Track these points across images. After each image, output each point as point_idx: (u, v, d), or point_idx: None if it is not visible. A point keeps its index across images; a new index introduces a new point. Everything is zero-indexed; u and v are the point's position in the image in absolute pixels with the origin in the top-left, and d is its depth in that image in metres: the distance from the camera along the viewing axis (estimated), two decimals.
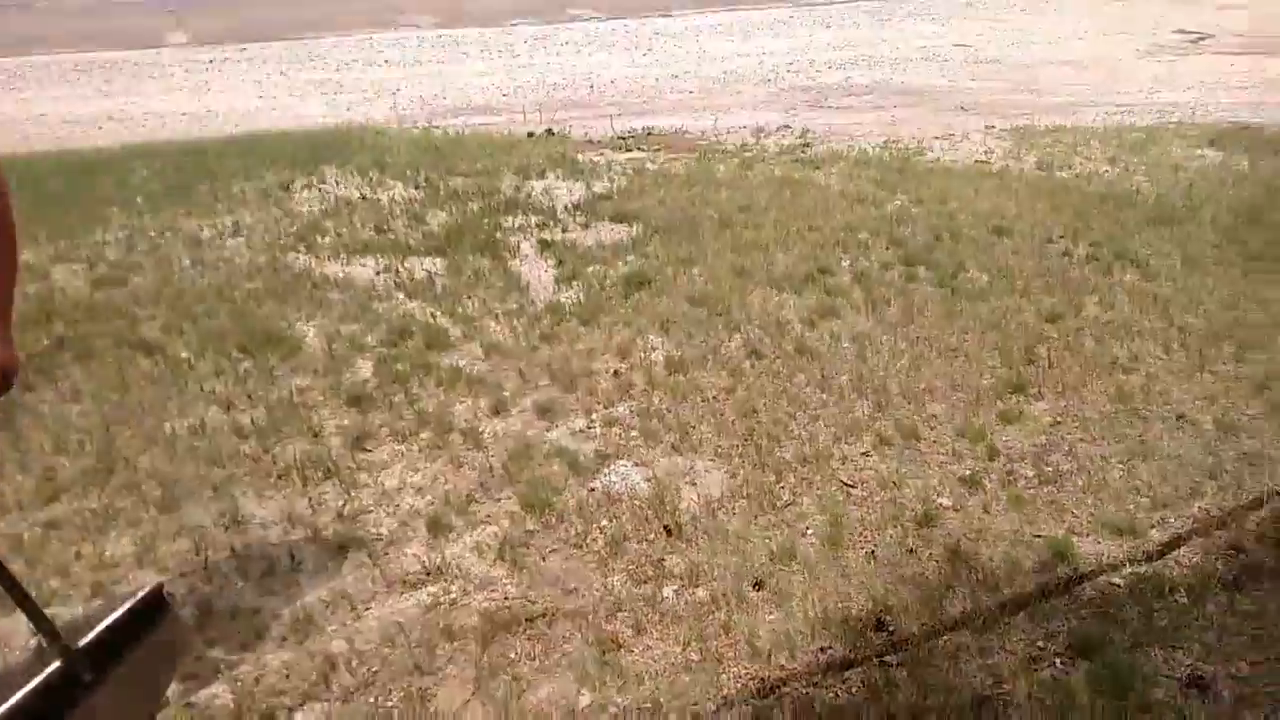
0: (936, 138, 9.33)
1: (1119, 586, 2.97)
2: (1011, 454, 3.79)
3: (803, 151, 8.83)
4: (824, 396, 4.31)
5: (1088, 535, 3.26)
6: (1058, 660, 2.68)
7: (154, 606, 2.40)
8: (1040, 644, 2.74)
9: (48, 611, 2.31)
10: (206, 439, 3.95)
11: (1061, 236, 6.32)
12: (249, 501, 3.56)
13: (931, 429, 4.01)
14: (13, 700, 2.09)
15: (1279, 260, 5.82)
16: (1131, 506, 3.39)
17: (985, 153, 8.66)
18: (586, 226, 6.71)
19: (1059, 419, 4.05)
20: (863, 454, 3.84)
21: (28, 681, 2.12)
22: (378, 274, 5.83)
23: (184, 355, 4.68)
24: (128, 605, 2.35)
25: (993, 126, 9.64)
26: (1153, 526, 3.27)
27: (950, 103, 11.01)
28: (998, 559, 3.12)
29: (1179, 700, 2.52)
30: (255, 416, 4.11)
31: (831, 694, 2.58)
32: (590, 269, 5.88)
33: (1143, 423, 3.97)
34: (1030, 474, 3.65)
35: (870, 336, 4.89)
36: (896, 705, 2.51)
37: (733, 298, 5.42)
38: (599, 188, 7.64)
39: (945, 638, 2.77)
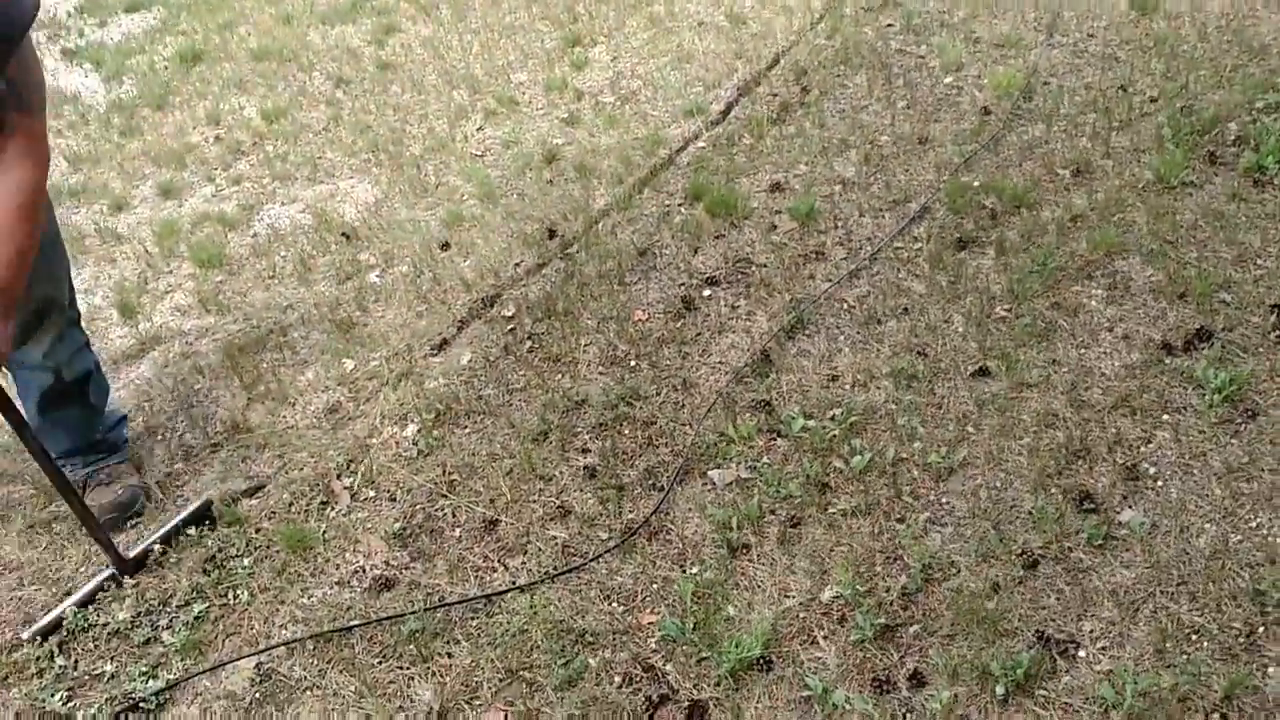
0: None
1: (704, 148, 3.82)
2: (592, 91, 4.48)
3: None
4: (423, 97, 4.69)
5: (670, 125, 4.07)
6: (681, 208, 3.50)
7: (203, 517, 2.52)
8: (666, 203, 3.54)
9: None
10: None
11: None
12: None
13: (524, 94, 4.58)
14: (66, 602, 2.29)
15: None
16: (691, 95, 4.23)
17: None
18: (103, 25, 6.23)
19: (616, 55, 4.78)
20: (478, 130, 4.35)
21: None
22: None
23: None
24: (179, 518, 2.48)
25: None
26: (711, 103, 4.15)
27: None
28: (615, 162, 3.84)
29: (769, 201, 3.44)
30: None
31: (539, 286, 3.22)
32: (133, 61, 5.59)
33: (676, 36, 4.80)
34: (612, 99, 4.38)
35: (437, 39, 5.26)
36: (586, 276, 3.21)
37: (293, 43, 5.48)
38: None
39: (601, 223, 3.48)
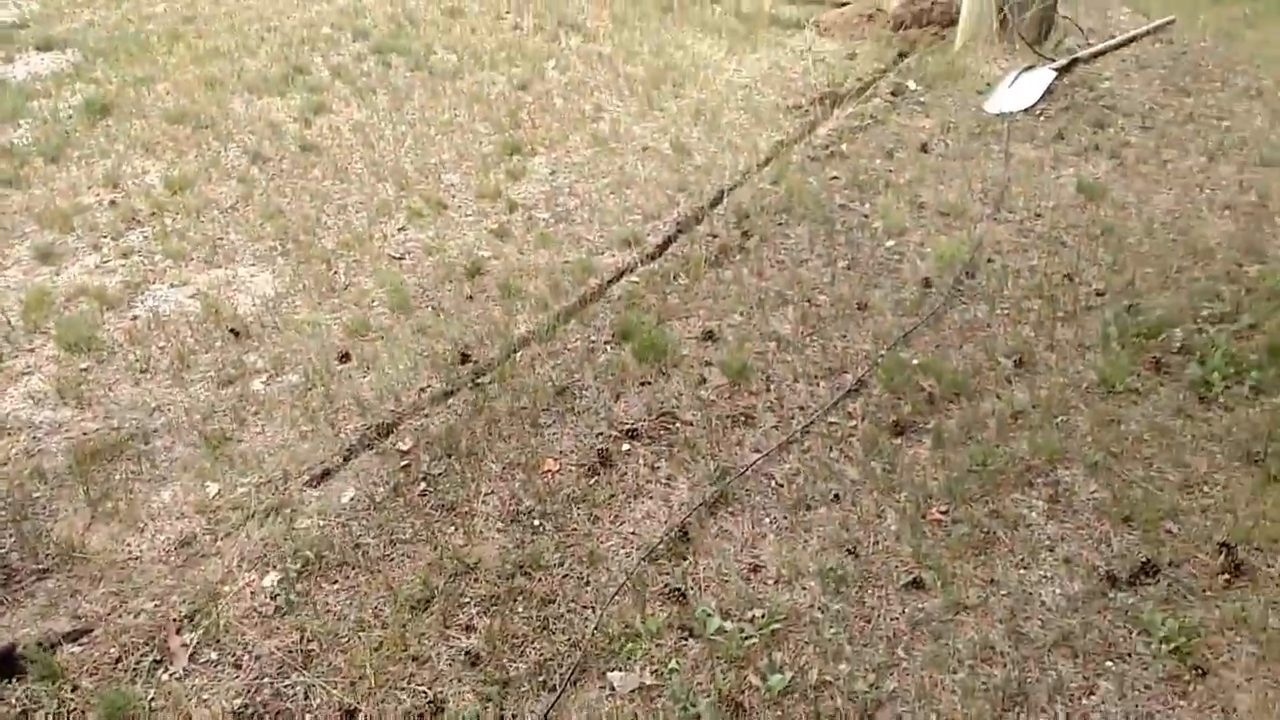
0: None
1: (637, 282, 3.61)
2: (526, 204, 4.27)
3: None
4: (344, 186, 4.42)
5: (604, 252, 3.86)
6: (608, 347, 3.26)
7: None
8: (592, 339, 3.30)
9: None
10: None
11: (509, 13, 6.78)
12: None
13: (454, 197, 4.34)
14: None
15: (684, 7, 6.83)
16: (629, 223, 4.05)
17: None
18: (9, 61, 5.82)
19: (555, 168, 4.59)
20: (400, 230, 4.08)
21: None
22: None
23: None
24: None
25: None
26: (649, 234, 3.96)
27: None
28: (543, 286, 3.60)
29: (700, 350, 3.23)
30: None
31: (442, 418, 2.92)
32: (34, 104, 5.20)
33: (619, 158, 4.64)
34: (546, 215, 4.17)
35: (369, 125, 5.01)
36: (496, 412, 2.93)
37: (212, 109, 5.17)
38: (6, 16, 6.57)
39: (520, 354, 3.22)
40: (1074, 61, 5.35)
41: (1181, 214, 3.95)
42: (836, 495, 2.62)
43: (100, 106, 5.15)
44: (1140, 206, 4.02)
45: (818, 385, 3.07)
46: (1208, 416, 2.86)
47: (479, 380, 3.08)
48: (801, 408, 2.97)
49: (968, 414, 2.88)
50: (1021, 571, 2.37)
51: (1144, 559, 2.36)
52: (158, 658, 2.18)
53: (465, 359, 3.18)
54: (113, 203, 4.28)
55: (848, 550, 2.44)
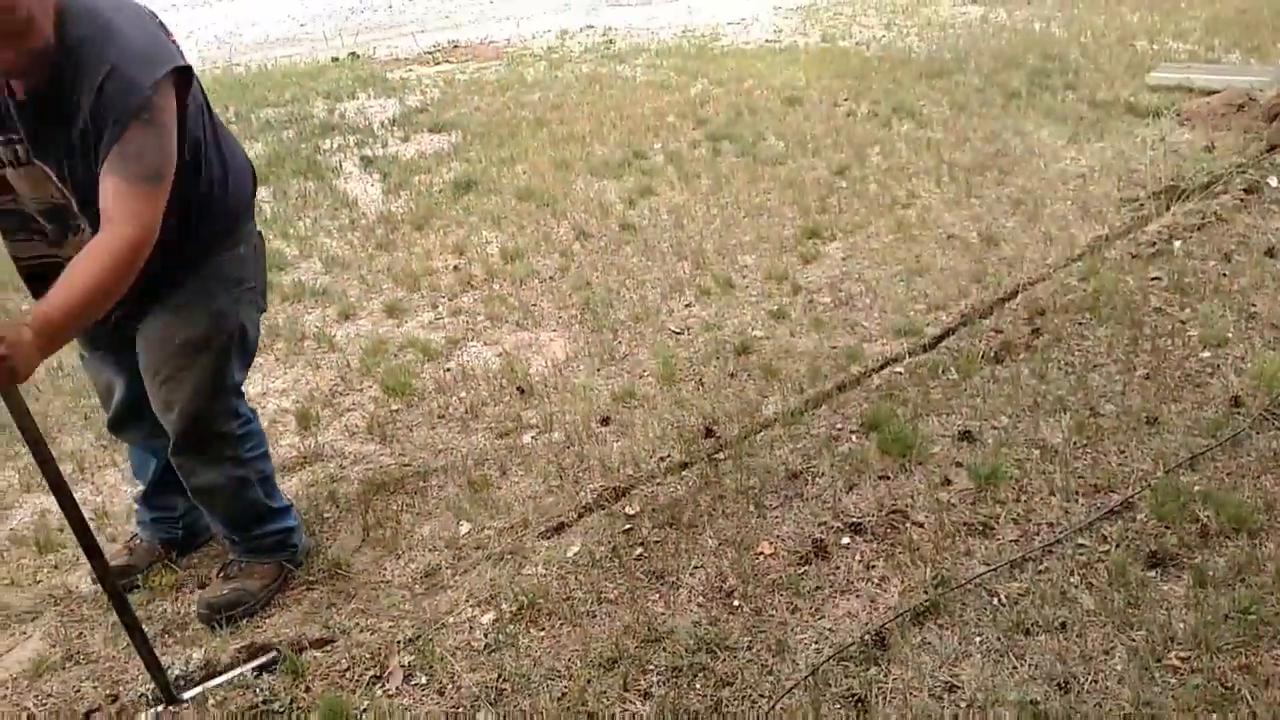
0: (729, 23, 9.76)
1: (901, 374, 3.53)
2: (811, 288, 4.32)
3: (607, 48, 9.11)
4: (648, 263, 4.73)
5: (876, 340, 3.81)
6: (853, 436, 3.21)
7: (267, 668, 2.49)
8: (839, 426, 3.27)
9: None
10: (67, 376, 4.07)
11: (846, 99, 6.89)
12: None
13: (744, 277, 4.49)
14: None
15: (1033, 95, 6.55)
16: (911, 313, 3.96)
17: (775, 32, 9.15)
18: (406, 140, 6.88)
19: (849, 254, 4.60)
20: (686, 306, 4.30)
21: None
22: None
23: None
24: (241, 669, 2.47)
25: (780, 6, 10.13)
26: (928, 325, 3.85)
27: None
28: (803, 370, 3.63)
29: (952, 450, 3.09)
30: None
31: (672, 489, 3.03)
32: (416, 179, 6.09)
33: (919, 245, 4.56)
34: (827, 300, 4.19)
35: (685, 207, 5.33)
36: (725, 489, 2.99)
37: (556, 189, 5.75)
38: (412, 102, 7.76)
39: (762, 434, 3.27)
40: None
41: None
42: (1063, 624, 2.39)
43: (466, 183, 5.93)
44: None
45: (1076, 502, 2.81)
46: None
47: (715, 455, 3.16)
48: (1050, 525, 2.74)
49: (1244, 554, 2.51)
50: None
51: None
52: (378, 674, 2.47)
53: (709, 433, 3.28)
54: (456, 268, 4.90)
55: (1058, 685, 2.22)
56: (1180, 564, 2.53)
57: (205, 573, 2.89)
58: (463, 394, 3.77)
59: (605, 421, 3.47)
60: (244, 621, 2.66)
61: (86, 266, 1.97)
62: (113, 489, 3.35)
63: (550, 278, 4.71)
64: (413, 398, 3.78)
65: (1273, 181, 4.66)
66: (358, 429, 3.59)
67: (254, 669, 2.46)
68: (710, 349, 3.87)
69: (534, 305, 4.45)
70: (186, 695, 2.37)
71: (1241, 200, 4.54)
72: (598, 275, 4.65)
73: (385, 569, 2.86)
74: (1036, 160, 5.46)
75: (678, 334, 4.06)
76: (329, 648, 2.56)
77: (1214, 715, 2.10)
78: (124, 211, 2.01)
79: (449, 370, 3.98)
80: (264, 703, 2.38)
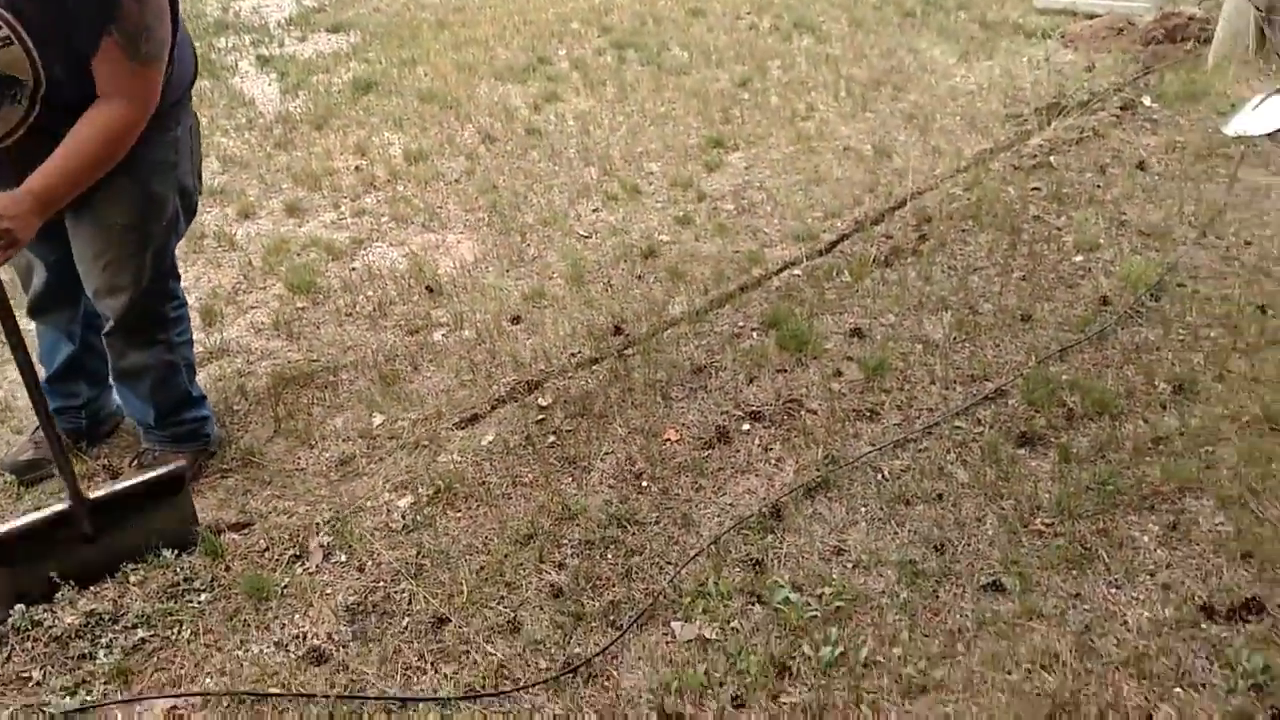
0: None
1: (799, 276, 3.70)
2: (715, 195, 4.44)
3: None
4: (555, 168, 4.77)
5: (776, 245, 3.98)
6: (754, 333, 3.38)
7: (171, 486, 2.49)
8: (740, 324, 3.43)
9: None
10: None
11: (749, 12, 6.95)
12: None
13: (650, 184, 4.59)
14: (10, 525, 2.32)
15: (927, 14, 6.73)
16: (809, 220, 4.13)
17: None
18: (303, 39, 6.68)
19: (751, 163, 4.74)
20: (594, 211, 4.38)
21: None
22: None
23: None
24: (146, 477, 2.47)
25: None
26: (824, 231, 4.03)
27: None
28: (707, 272, 3.77)
29: (844, 345, 3.29)
30: None
31: (583, 382, 3.16)
32: (314, 79, 5.95)
33: (817, 156, 4.72)
34: (731, 207, 4.32)
35: (591, 114, 5.36)
36: (633, 382, 3.14)
37: (460, 92, 5.70)
38: (309, 1, 7.50)
39: (668, 332, 3.41)
40: None
41: None
42: (940, 495, 2.62)
43: (366, 84, 5.82)
44: None
45: (954, 390, 3.05)
46: None
47: (625, 351, 3.29)
48: (930, 410, 2.97)
49: (1105, 434, 2.78)
50: (1112, 590, 2.30)
51: (1251, 596, 2.22)
52: (297, 553, 2.55)
53: (618, 331, 3.41)
54: (358, 169, 4.85)
55: (935, 547, 2.45)
56: (1047, 443, 2.78)
57: (117, 463, 2.91)
58: (370, 293, 3.80)
59: (516, 320, 3.56)
60: None
61: (89, 136, 2.04)
62: (14, 384, 3.29)
63: (456, 180, 4.72)
64: (318, 296, 3.79)
65: (1146, 100, 4.95)
66: (264, 326, 3.59)
67: (153, 480, 2.46)
68: (618, 252, 3.97)
69: (440, 207, 4.46)
70: (94, 494, 2.40)
71: (1117, 117, 4.82)
72: (504, 179, 4.68)
73: (299, 458, 2.92)
74: (929, 77, 5.65)
75: (585, 237, 4.15)
76: (246, 531, 2.63)
77: (1073, 571, 2.36)
78: (125, 89, 2.06)
79: (354, 269, 3.99)
80: (185, 580, 2.44)
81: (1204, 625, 2.19)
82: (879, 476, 2.71)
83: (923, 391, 3.05)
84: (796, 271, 3.74)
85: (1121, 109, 4.89)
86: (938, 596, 2.32)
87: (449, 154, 4.98)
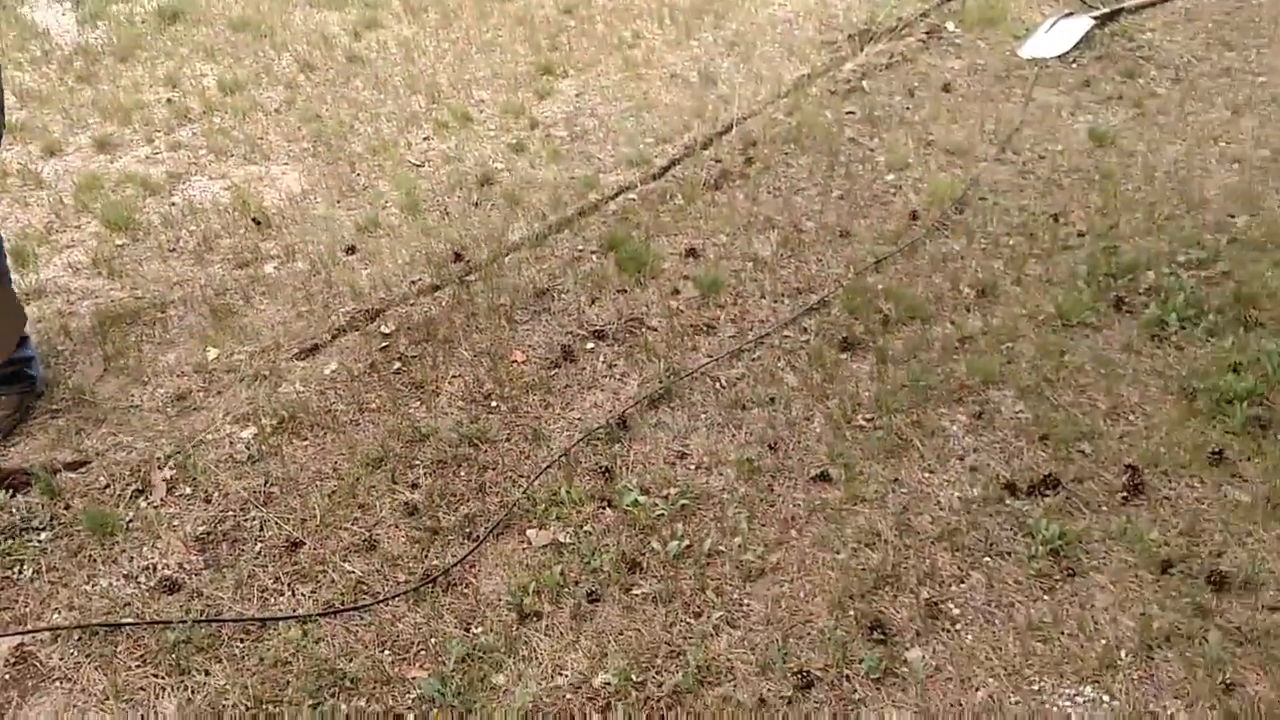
0: None
1: (634, 200, 3.80)
2: (547, 122, 4.46)
3: None
4: (381, 97, 4.67)
5: (611, 171, 4.05)
6: (594, 256, 3.46)
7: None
8: (580, 248, 3.51)
9: None
10: None
11: None
12: None
13: (480, 112, 4.56)
14: None
15: None
16: (641, 146, 4.21)
17: None
18: None
19: (581, 91, 4.77)
20: (424, 139, 4.32)
21: None
22: None
23: None
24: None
25: None
26: (656, 156, 4.13)
27: None
28: (545, 199, 3.81)
29: (680, 265, 3.41)
30: None
31: (426, 309, 3.17)
32: (113, 8, 5.57)
33: (646, 84, 4.79)
34: (564, 134, 4.36)
35: (414, 41, 5.25)
36: (477, 307, 3.17)
37: (274, 20, 5.47)
38: None
39: (509, 257, 3.44)
40: (1119, 11, 5.27)
41: (1188, 165, 3.95)
42: (772, 399, 2.80)
43: (171, 13, 5.50)
44: (1148, 155, 4.02)
45: (783, 303, 3.22)
46: (1155, 353, 2.94)
47: (466, 277, 3.31)
48: (762, 322, 3.13)
49: (917, 337, 3.02)
50: (926, 475, 2.53)
51: (1048, 473, 2.49)
52: (140, 488, 2.49)
53: (458, 258, 3.42)
54: (169, 101, 4.61)
55: (769, 445, 2.63)
56: (866, 347, 3.00)
57: None
58: (193, 227, 3.66)
59: (351, 250, 3.51)
60: None
61: None
62: None
63: (276, 110, 4.55)
64: (138, 232, 3.63)
65: (950, 25, 5.25)
66: (82, 265, 3.42)
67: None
68: (453, 180, 3.95)
69: (261, 139, 4.31)
70: None
71: (924, 42, 5.09)
72: (327, 108, 4.55)
73: (133, 395, 2.83)
74: (749, 4, 5.78)
75: (418, 166, 4.10)
76: (84, 469, 2.55)
77: (891, 459, 2.58)
78: None
79: (174, 205, 3.83)
80: (22, 520, 2.36)
81: (1008, 501, 2.44)
82: (717, 385, 2.86)
83: (754, 305, 3.21)
84: (632, 196, 3.83)
85: (927, 34, 5.17)
86: (773, 490, 2.50)
87: (266, 84, 4.79)
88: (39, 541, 2.33)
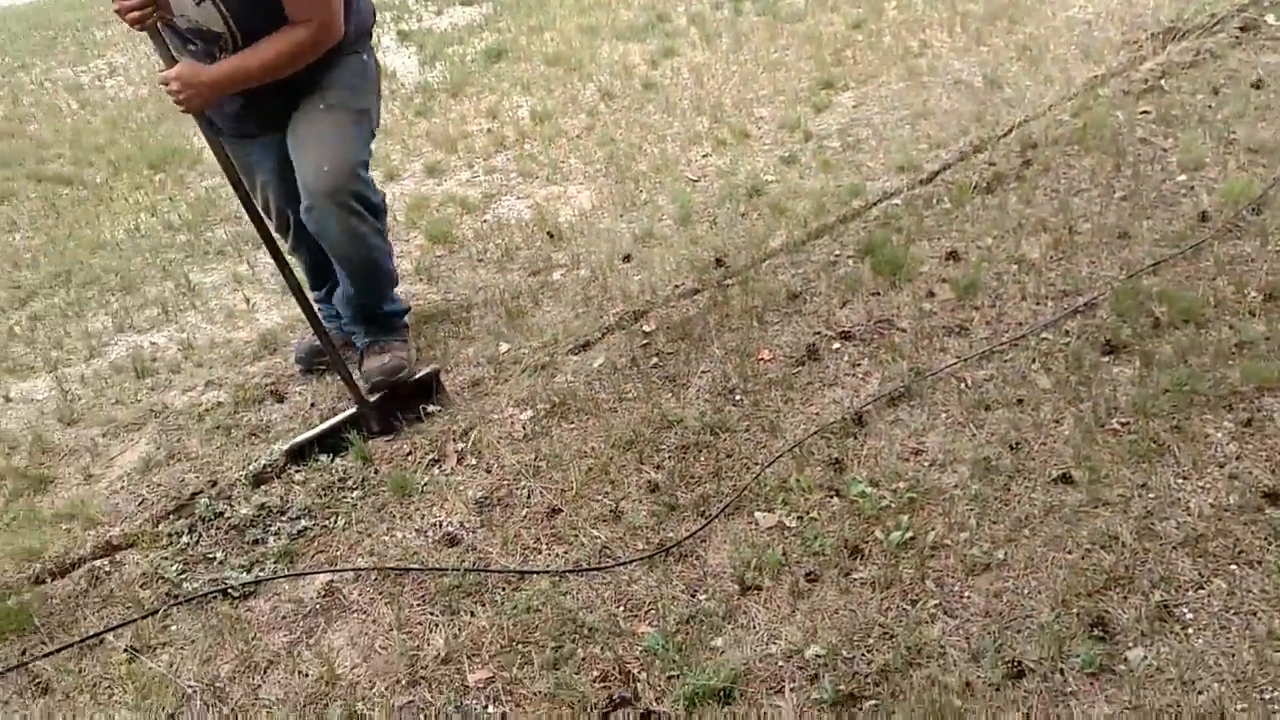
0: None
1: (898, 205, 3.83)
2: (821, 134, 4.59)
3: None
4: (669, 119, 5.01)
5: (879, 179, 4.10)
6: (850, 260, 3.55)
7: (430, 383, 3.13)
8: (837, 253, 3.61)
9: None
10: (144, 237, 4.51)
11: None
12: (196, 273, 4.20)
13: (758, 128, 4.77)
14: (315, 430, 2.98)
15: None
16: (914, 152, 4.23)
17: None
18: (439, 13, 7.12)
19: (860, 102, 4.85)
20: (704, 156, 4.60)
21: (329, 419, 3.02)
22: None
23: (99, 179, 5.14)
24: (419, 376, 3.12)
25: None
26: (928, 162, 4.13)
27: None
28: (809, 207, 3.94)
29: (939, 268, 3.42)
30: (180, 213, 4.67)
31: (685, 310, 3.41)
32: (450, 50, 6.37)
33: (926, 91, 4.78)
34: (836, 145, 4.47)
35: (706, 66, 5.57)
36: (731, 309, 3.37)
37: (583, 54, 6.00)
38: None
39: (767, 262, 3.61)
40: None
41: None
42: (1020, 400, 2.76)
43: (497, 52, 6.20)
44: None
45: (1045, 305, 3.14)
46: None
47: (725, 281, 3.52)
48: (1020, 324, 3.08)
49: (1189, 341, 2.84)
50: (1179, 480, 2.40)
51: None
52: (436, 458, 2.92)
53: (720, 263, 3.64)
54: (489, 131, 5.22)
55: (1010, 446, 2.60)
56: (1131, 350, 2.86)
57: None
58: (499, 240, 4.15)
59: (627, 259, 3.84)
60: None
61: (273, 45, 2.56)
62: (195, 327, 3.81)
63: (577, 136, 5.02)
64: (454, 245, 4.17)
65: (1270, 19, 4.77)
66: (407, 272, 3.99)
67: (424, 376, 3.12)
68: (724, 193, 4.19)
69: (562, 162, 4.78)
70: (372, 398, 3.05)
71: (1237, 38, 4.67)
72: (621, 132, 4.95)
73: (440, 382, 3.29)
74: (1046, 8, 5.58)
75: (694, 181, 4.38)
76: (391, 437, 3.02)
77: (1142, 464, 2.47)
78: (309, 9, 2.55)
79: (486, 221, 4.35)
80: (339, 480, 2.85)
81: (1266, 510, 2.27)
82: (961, 386, 2.86)
83: (1013, 307, 3.16)
84: (896, 201, 3.87)
85: (1242, 29, 4.73)
86: (1008, 489, 2.48)
87: (571, 112, 5.28)
88: (351, 498, 2.80)
